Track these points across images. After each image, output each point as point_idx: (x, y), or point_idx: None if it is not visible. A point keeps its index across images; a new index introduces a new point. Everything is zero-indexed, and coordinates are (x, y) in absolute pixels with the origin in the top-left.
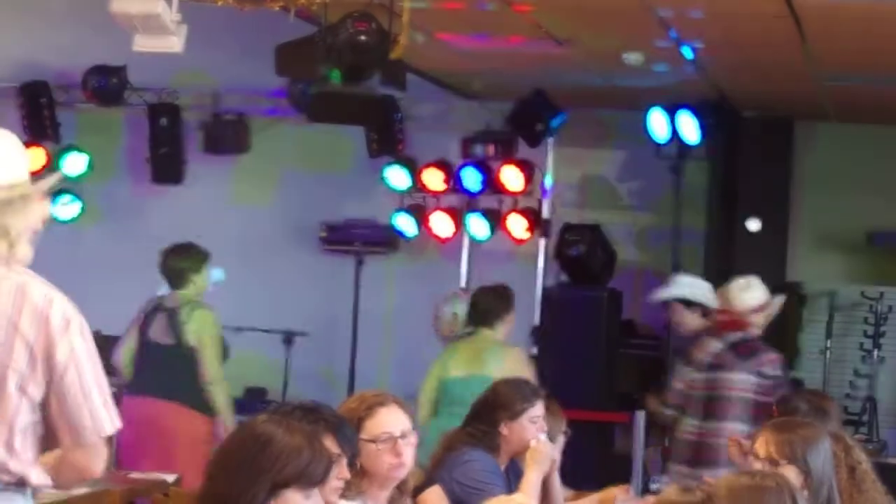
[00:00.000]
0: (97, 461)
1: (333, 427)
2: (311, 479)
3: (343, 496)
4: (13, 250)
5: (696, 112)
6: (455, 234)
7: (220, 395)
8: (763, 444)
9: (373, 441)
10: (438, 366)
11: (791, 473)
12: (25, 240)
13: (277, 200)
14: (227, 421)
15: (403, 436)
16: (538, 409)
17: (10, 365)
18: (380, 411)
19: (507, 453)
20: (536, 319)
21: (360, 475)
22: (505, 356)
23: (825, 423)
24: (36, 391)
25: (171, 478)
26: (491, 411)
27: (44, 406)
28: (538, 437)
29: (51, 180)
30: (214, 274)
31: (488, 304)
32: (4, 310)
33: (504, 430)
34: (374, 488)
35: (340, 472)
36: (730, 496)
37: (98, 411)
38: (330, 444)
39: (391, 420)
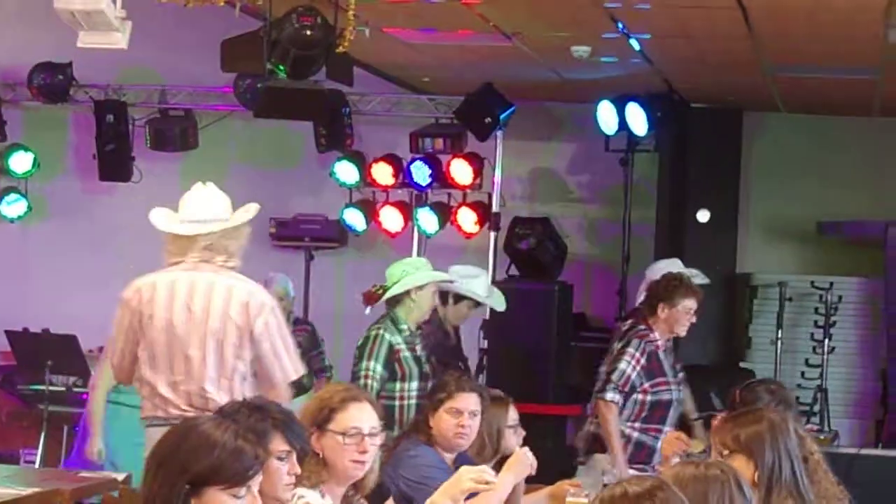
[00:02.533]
0: (285, 400)
1: (281, 424)
2: (232, 476)
3: (302, 484)
4: (228, 263)
5: (645, 104)
6: (405, 228)
7: None
8: (719, 433)
9: (341, 434)
10: None
11: (740, 463)
12: (238, 256)
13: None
14: None
15: (371, 434)
16: (459, 401)
17: (226, 340)
18: (351, 406)
19: (439, 444)
20: (487, 313)
21: (322, 465)
22: None
23: (787, 413)
24: (247, 354)
25: (121, 476)
26: (426, 400)
27: (254, 363)
28: (524, 448)
29: (251, 212)
30: None
31: None
32: (220, 305)
33: (431, 420)
34: (332, 480)
35: (291, 468)
36: (676, 486)
37: (285, 365)
38: (279, 441)
39: (361, 416)
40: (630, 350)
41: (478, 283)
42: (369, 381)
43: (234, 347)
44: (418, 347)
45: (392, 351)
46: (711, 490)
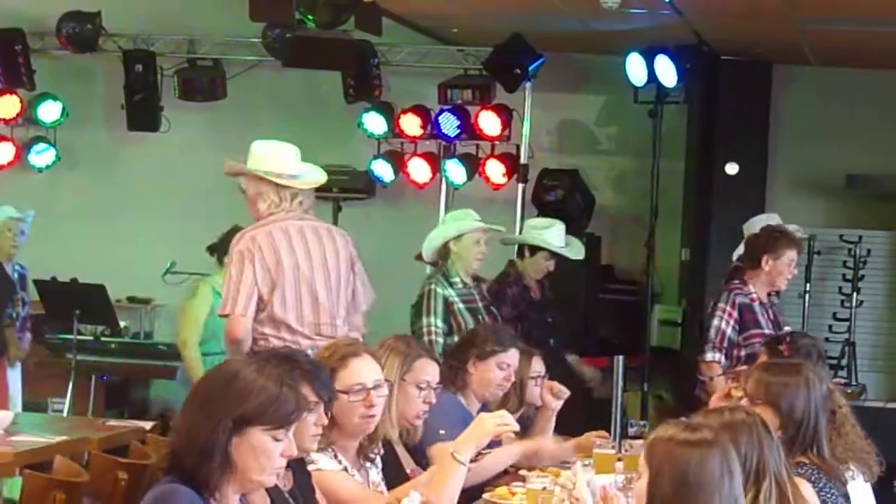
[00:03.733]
0: (362, 323)
1: (309, 374)
2: (275, 419)
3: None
4: (309, 213)
5: (674, 56)
6: (432, 179)
7: None
8: (746, 382)
9: (345, 392)
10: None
11: (767, 414)
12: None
13: None
14: None
15: (375, 387)
16: (510, 357)
17: (341, 274)
18: (353, 362)
19: (474, 393)
20: None
21: (330, 425)
22: None
23: (822, 366)
24: (352, 284)
25: (148, 425)
26: (465, 348)
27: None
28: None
29: (320, 180)
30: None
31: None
32: (330, 245)
33: (471, 367)
34: (343, 438)
35: (318, 420)
36: None
37: (366, 293)
38: (307, 391)
39: (364, 371)
40: (721, 305)
41: (551, 234)
42: (433, 337)
43: (346, 280)
44: (477, 299)
45: (447, 304)
46: (740, 434)
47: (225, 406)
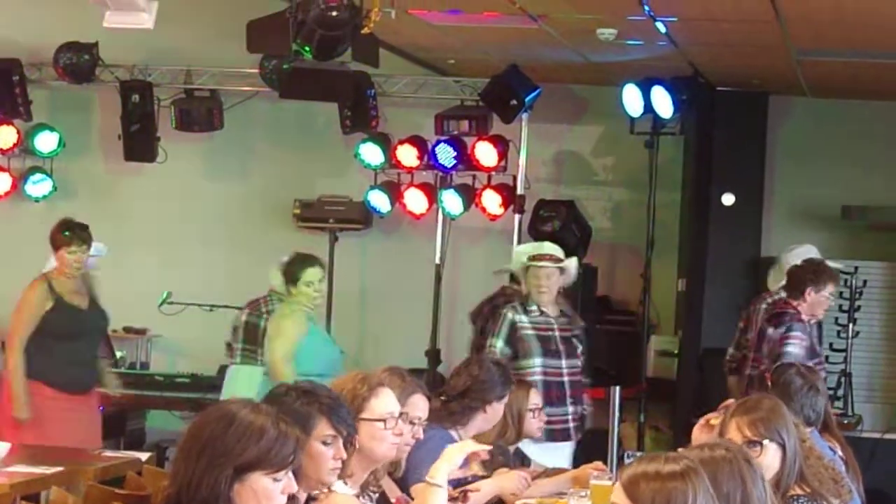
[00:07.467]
0: None
1: (329, 409)
2: (276, 462)
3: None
4: None
5: (670, 87)
6: (429, 210)
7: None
8: (736, 429)
9: (380, 420)
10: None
11: (772, 450)
12: None
13: (251, 178)
14: None
15: (401, 416)
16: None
17: None
18: (382, 391)
19: (477, 428)
20: None
21: (349, 454)
22: None
23: (815, 399)
24: None
25: (144, 456)
26: (482, 388)
27: None
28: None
29: None
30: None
31: None
32: None
33: (489, 409)
34: (358, 468)
35: (337, 454)
36: None
37: None
38: (325, 426)
39: (391, 401)
40: (797, 333)
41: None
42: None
43: None
44: (555, 328)
45: (514, 328)
46: (720, 471)
47: (224, 455)
